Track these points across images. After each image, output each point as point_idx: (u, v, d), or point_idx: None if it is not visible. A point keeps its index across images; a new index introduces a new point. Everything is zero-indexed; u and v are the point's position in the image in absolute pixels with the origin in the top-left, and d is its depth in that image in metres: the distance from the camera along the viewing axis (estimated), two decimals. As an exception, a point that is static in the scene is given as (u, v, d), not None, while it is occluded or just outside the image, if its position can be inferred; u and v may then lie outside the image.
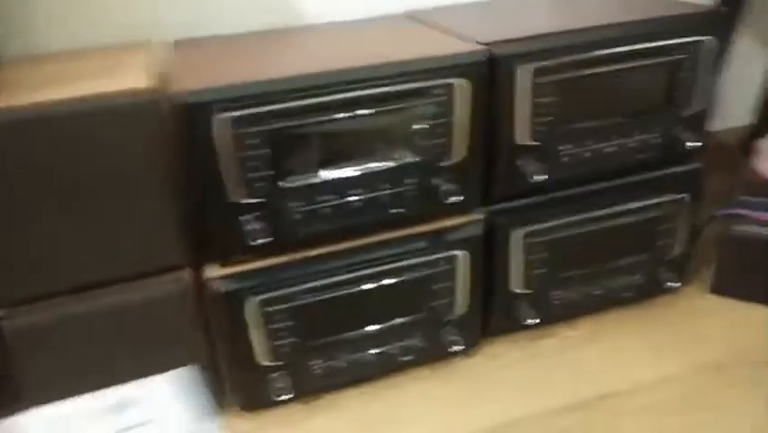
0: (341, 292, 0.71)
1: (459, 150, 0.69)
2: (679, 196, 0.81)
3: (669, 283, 0.86)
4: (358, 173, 0.66)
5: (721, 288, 0.91)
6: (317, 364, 0.75)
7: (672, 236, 0.84)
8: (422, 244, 0.73)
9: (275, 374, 0.73)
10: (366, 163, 0.66)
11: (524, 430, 0.72)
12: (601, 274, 0.83)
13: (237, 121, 0.59)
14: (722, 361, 0.80)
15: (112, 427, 0.63)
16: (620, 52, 0.70)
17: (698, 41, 0.73)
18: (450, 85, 0.65)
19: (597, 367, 0.80)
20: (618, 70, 0.71)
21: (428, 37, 0.75)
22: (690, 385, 0.77)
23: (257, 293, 0.67)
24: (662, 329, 0.86)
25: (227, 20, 0.86)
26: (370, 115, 0.63)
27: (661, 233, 0.83)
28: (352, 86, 0.61)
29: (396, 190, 0.68)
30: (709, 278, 0.91)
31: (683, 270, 0.88)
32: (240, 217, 0.64)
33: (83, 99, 0.57)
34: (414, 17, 0.85)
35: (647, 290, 0.87)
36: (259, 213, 0.64)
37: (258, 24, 0.86)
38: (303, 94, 0.60)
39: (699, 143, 0.78)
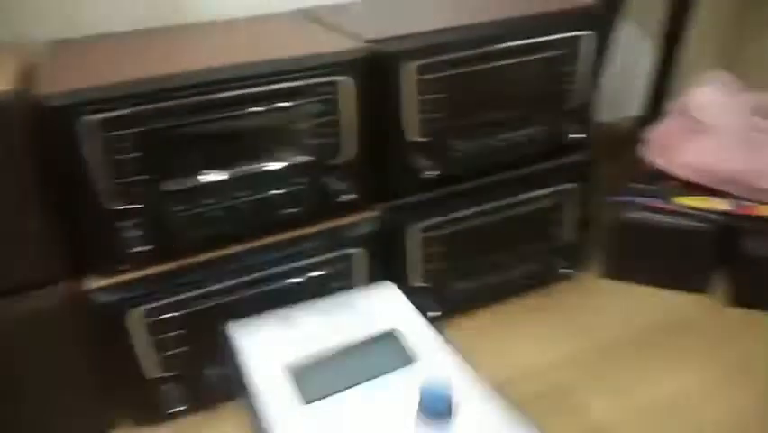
0: (232, 298, 0.69)
1: (348, 148, 0.68)
2: (568, 186, 0.84)
3: (563, 270, 0.89)
4: (244, 174, 0.64)
5: (613, 272, 0.95)
6: (212, 373, 0.72)
7: (563, 225, 0.87)
8: (316, 244, 0.72)
9: (167, 386, 0.70)
10: (252, 164, 0.65)
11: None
12: (498, 265, 0.85)
13: (104, 123, 0.56)
14: (610, 343, 0.83)
15: None
16: (503, 48, 0.71)
17: (577, 37, 0.76)
18: (334, 83, 0.64)
19: (492, 356, 0.82)
20: (502, 66, 0.72)
21: (316, 35, 0.74)
22: (579, 367, 0.80)
23: (141, 303, 0.64)
24: (557, 315, 0.89)
25: (110, 18, 0.82)
26: (253, 114, 0.62)
27: (553, 222, 0.86)
28: (231, 84, 0.60)
29: (286, 191, 0.67)
30: (602, 263, 0.95)
31: (577, 257, 0.91)
32: (117, 225, 0.61)
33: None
34: (308, 14, 0.83)
35: (543, 278, 0.90)
36: (138, 219, 0.61)
37: (144, 22, 0.82)
38: (177, 94, 0.58)
39: (584, 135, 0.80)
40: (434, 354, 0.42)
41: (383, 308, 0.46)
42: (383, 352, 0.42)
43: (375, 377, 0.39)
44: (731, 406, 0.74)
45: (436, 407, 0.35)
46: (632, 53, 1.24)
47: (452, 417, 0.36)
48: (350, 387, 0.38)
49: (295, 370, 0.40)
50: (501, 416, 0.40)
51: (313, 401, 0.37)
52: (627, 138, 1.21)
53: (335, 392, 0.38)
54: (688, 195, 0.92)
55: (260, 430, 0.37)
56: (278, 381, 0.39)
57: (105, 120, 0.56)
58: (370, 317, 0.44)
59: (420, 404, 0.36)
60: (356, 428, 0.36)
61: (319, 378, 0.39)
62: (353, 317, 0.44)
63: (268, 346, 0.42)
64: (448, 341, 0.45)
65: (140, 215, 0.61)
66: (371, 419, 0.37)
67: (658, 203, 0.91)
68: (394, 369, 0.40)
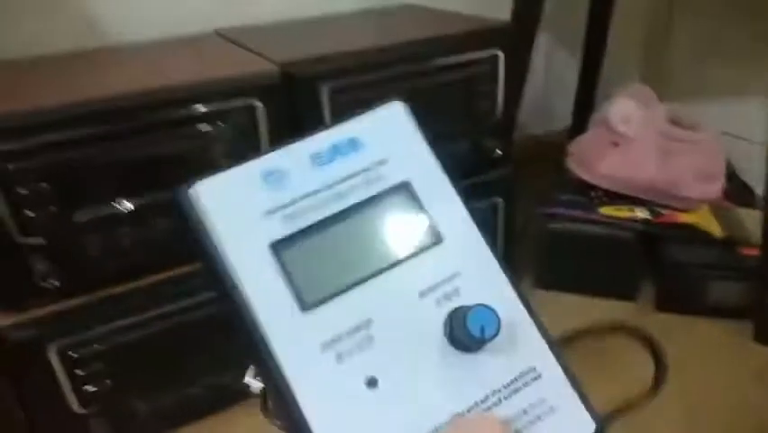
0: (153, 329, 0.67)
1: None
2: (491, 200, 0.86)
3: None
4: (160, 202, 0.64)
5: (544, 282, 0.97)
6: (140, 406, 0.71)
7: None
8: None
9: (93, 421, 0.68)
10: (167, 191, 0.64)
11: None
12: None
13: (8, 154, 0.55)
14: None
15: None
16: (416, 69, 0.73)
17: (492, 55, 0.78)
18: (247, 106, 0.64)
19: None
20: (417, 86, 0.74)
21: (227, 56, 0.74)
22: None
23: (55, 339, 0.63)
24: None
25: (23, 41, 0.80)
26: (166, 139, 0.61)
27: (481, 237, 0.87)
28: (143, 111, 0.59)
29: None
30: (533, 274, 0.97)
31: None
32: (28, 259, 0.59)
33: None
34: (223, 35, 0.83)
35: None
36: (48, 252, 0.59)
37: (59, 46, 0.81)
38: (86, 121, 0.57)
39: (506, 151, 0.82)
40: (462, 231, 0.31)
41: (389, 139, 0.31)
42: (399, 221, 0.30)
43: (390, 267, 0.28)
44: (659, 409, 0.76)
45: (476, 338, 0.27)
46: (558, 66, 1.28)
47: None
48: (357, 284, 0.28)
49: (284, 258, 0.27)
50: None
51: (312, 308, 0.27)
52: (556, 150, 1.24)
53: (340, 293, 0.28)
54: (611, 205, 0.95)
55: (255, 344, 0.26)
56: (262, 277, 0.27)
57: (8, 151, 0.54)
58: (375, 155, 0.31)
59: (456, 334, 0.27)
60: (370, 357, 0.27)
61: (317, 269, 0.28)
62: (355, 160, 0.30)
63: (243, 220, 0.27)
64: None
65: (51, 247, 0.59)
66: (389, 336, 0.27)
67: (584, 213, 0.94)
68: (416, 253, 0.29)
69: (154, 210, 0.63)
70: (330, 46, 0.73)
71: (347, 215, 0.29)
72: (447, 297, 0.29)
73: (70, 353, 0.64)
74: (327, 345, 0.26)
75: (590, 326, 0.85)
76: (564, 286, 0.96)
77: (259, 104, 0.64)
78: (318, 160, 0.29)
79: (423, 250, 0.29)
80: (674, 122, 0.98)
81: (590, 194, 0.97)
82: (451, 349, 0.28)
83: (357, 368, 0.27)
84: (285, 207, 0.28)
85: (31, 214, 0.58)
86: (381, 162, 0.30)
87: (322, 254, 0.28)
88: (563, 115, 1.30)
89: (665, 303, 0.92)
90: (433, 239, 0.29)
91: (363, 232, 0.29)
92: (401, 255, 0.29)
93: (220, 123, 0.63)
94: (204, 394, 0.74)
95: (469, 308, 0.27)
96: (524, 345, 0.30)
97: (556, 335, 0.31)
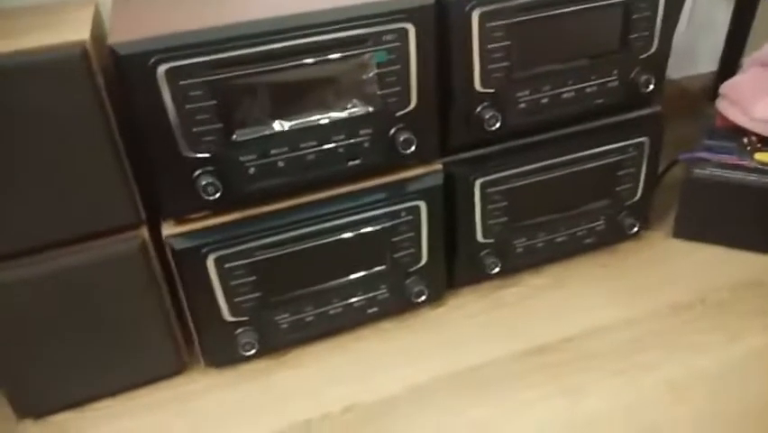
0: (301, 247, 0.71)
1: (413, 99, 0.68)
2: (638, 140, 0.82)
3: (631, 228, 0.87)
4: (311, 125, 0.65)
5: (683, 232, 0.92)
6: (283, 319, 0.75)
7: (632, 181, 0.84)
8: (381, 196, 0.73)
9: (240, 330, 0.73)
10: (318, 114, 0.65)
11: (488, 374, 0.74)
12: (564, 221, 0.84)
13: (176, 72, 0.58)
14: (680, 302, 0.81)
15: None
16: (574, -5, 0.69)
17: (653, -19, 0.72)
18: (399, 30, 0.64)
19: (560, 313, 0.81)
20: (572, 13, 0.70)
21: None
22: (649, 326, 0.78)
23: (214, 250, 0.67)
24: (625, 274, 0.87)
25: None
26: (318, 63, 0.62)
27: (621, 178, 0.84)
28: (297, 33, 0.60)
29: (351, 141, 0.68)
30: (672, 222, 0.92)
31: (645, 215, 0.89)
32: (192, 173, 0.63)
33: (11, 55, 0.55)
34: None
35: (610, 236, 0.88)
36: (211, 167, 0.63)
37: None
38: (246, 42, 0.59)
39: (658, 86, 0.77)
40: None
41: None
42: None
43: None
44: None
45: None
46: (707, 6, 1.18)
47: None
48: None
49: None
50: None
51: None
52: (701, 95, 1.16)
53: None
54: (766, 151, 0.88)
55: None
56: None
57: (177, 68, 0.57)
58: None
59: None
60: None
61: None
62: None
63: None
64: None
65: (213, 163, 0.63)
66: None
67: (734, 159, 0.87)
68: None
69: (306, 134, 0.65)
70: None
71: None
72: None
73: (226, 264, 0.68)
74: None
75: None
76: (706, 236, 0.90)
77: (411, 27, 0.64)
78: None
79: None
80: None
81: (742, 140, 0.90)
82: None
83: None
84: None
85: (198, 129, 0.61)
86: None
87: None
88: (708, 58, 1.20)
89: (821, 261, 0.85)
90: None
91: None
92: None
93: (372, 46, 0.63)
94: (340, 313, 0.77)
95: None
96: None
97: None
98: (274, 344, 0.76)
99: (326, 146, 0.67)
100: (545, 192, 0.80)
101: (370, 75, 0.65)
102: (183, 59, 0.57)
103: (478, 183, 0.76)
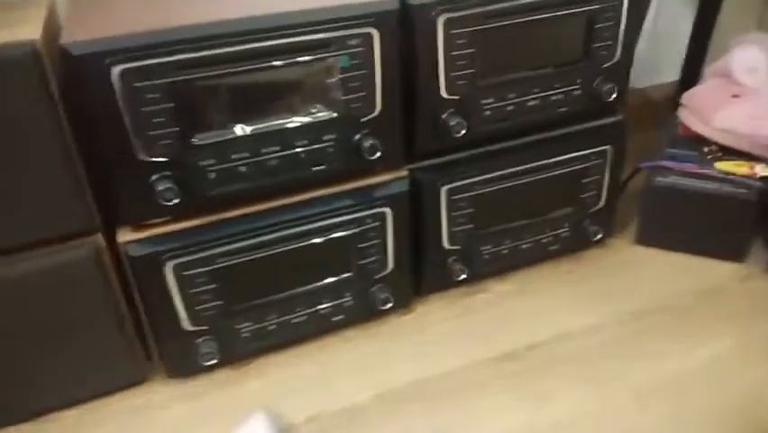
0: (264, 254, 0.69)
1: (378, 105, 0.67)
2: (602, 148, 0.82)
3: (595, 235, 0.87)
4: (273, 129, 0.64)
5: (645, 239, 0.93)
6: (245, 328, 0.73)
7: (596, 189, 0.85)
8: (346, 203, 0.72)
9: (200, 339, 0.71)
10: (281, 119, 0.64)
11: (455, 382, 0.73)
12: (529, 228, 0.84)
13: (132, 73, 0.56)
14: (643, 309, 0.82)
15: None
16: (538, 1, 0.69)
17: (617, -8, 0.73)
18: (363, 35, 0.63)
19: (526, 320, 0.81)
20: (537, 21, 0.70)
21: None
22: (613, 333, 0.79)
23: (173, 257, 0.65)
24: (589, 280, 0.87)
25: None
26: (281, 66, 0.61)
27: (585, 185, 0.84)
28: (258, 36, 0.59)
29: (315, 147, 0.67)
30: (635, 229, 0.93)
31: (609, 222, 0.90)
32: (149, 177, 0.61)
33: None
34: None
35: (574, 243, 0.89)
36: (169, 172, 0.61)
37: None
38: (205, 44, 0.57)
39: (621, 95, 0.78)
40: None
41: None
42: None
43: None
44: (763, 377, 0.72)
45: None
46: (670, 16, 1.20)
47: None
48: None
49: None
50: None
51: None
52: (664, 104, 1.18)
53: None
54: (726, 160, 0.89)
55: None
56: None
57: (134, 69, 0.56)
58: None
59: None
60: None
61: None
62: None
63: None
64: None
65: (171, 168, 0.61)
66: None
67: (695, 168, 0.89)
68: None
69: (268, 138, 0.64)
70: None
71: None
72: None
73: (185, 271, 0.66)
74: None
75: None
76: (668, 243, 0.92)
77: (376, 32, 0.63)
78: None
79: None
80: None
81: (704, 149, 0.92)
82: None
83: None
84: None
85: (155, 133, 0.59)
86: None
87: None
88: (671, 67, 1.22)
89: (779, 267, 0.87)
90: None
91: None
92: None
93: (336, 50, 0.63)
94: (304, 321, 0.76)
95: None
96: None
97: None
98: (236, 353, 0.75)
99: (289, 151, 0.66)
100: (511, 199, 0.80)
101: (334, 80, 0.64)
102: (139, 60, 0.56)
103: (444, 190, 0.76)
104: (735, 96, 0.91)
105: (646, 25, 1.17)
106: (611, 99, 0.78)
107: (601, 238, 0.88)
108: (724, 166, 0.88)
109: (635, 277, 0.88)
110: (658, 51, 1.22)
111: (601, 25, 0.74)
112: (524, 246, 0.85)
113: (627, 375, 0.73)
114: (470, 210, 0.78)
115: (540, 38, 0.72)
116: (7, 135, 0.56)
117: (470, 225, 0.80)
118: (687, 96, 0.96)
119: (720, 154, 0.91)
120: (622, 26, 0.75)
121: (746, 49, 0.92)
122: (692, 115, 0.94)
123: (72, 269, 0.64)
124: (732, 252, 0.90)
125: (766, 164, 0.88)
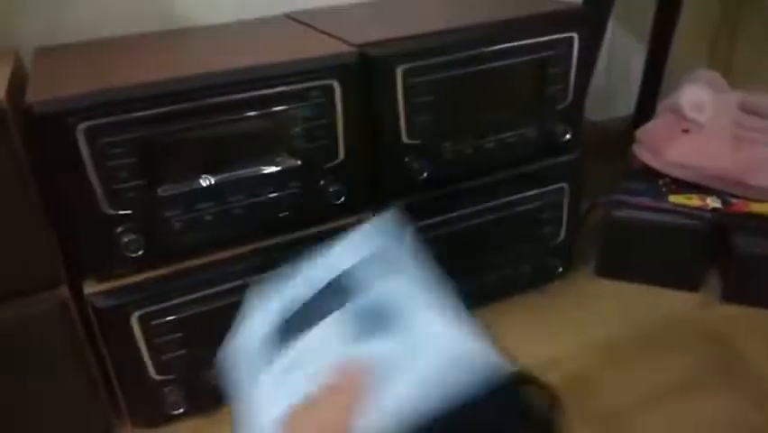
0: (230, 301, 0.69)
1: (341, 152, 0.69)
2: (559, 185, 0.85)
3: (556, 269, 0.90)
4: (238, 178, 0.65)
5: (606, 271, 0.96)
6: (213, 376, 0.73)
7: (556, 224, 0.88)
8: (311, 248, 0.73)
9: (167, 388, 0.71)
10: (245, 168, 0.66)
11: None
12: (491, 265, 0.86)
13: (97, 130, 0.57)
14: (608, 339, 0.84)
15: None
16: (492, 51, 0.72)
17: (566, 38, 0.77)
18: (324, 87, 0.65)
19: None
20: (491, 69, 0.73)
21: (303, 39, 0.75)
22: (579, 364, 0.81)
23: (138, 307, 0.65)
24: (552, 313, 0.89)
25: (97, 23, 0.83)
26: (245, 118, 0.63)
27: (545, 222, 0.87)
28: (220, 90, 0.60)
29: (280, 194, 0.68)
30: (596, 262, 0.96)
31: (570, 256, 0.92)
32: (114, 230, 0.62)
33: None
34: (293, 18, 0.85)
35: (537, 277, 0.91)
36: (134, 224, 0.62)
37: (131, 28, 0.84)
38: (167, 99, 0.59)
39: (575, 135, 0.81)
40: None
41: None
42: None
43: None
44: (725, 400, 0.74)
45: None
46: (623, 52, 1.26)
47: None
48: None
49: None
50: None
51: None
52: (620, 137, 1.22)
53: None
54: (679, 193, 0.93)
55: None
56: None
57: (98, 127, 0.57)
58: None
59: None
60: None
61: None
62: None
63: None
64: None
65: (136, 220, 0.62)
66: None
67: (649, 201, 0.92)
68: None
69: (232, 187, 0.65)
70: (402, 29, 0.73)
71: None
72: None
73: (148, 321, 0.67)
74: None
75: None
76: (626, 275, 0.95)
77: (336, 84, 0.65)
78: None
79: None
80: (746, 110, 0.95)
81: (658, 182, 0.95)
82: None
83: None
84: None
85: (119, 186, 0.60)
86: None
87: None
88: (627, 101, 1.27)
89: (732, 295, 0.90)
90: None
91: None
92: None
93: (299, 102, 0.64)
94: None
95: None
96: None
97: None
98: (204, 401, 0.74)
99: (255, 199, 0.67)
100: (472, 237, 0.82)
101: (297, 129, 0.66)
102: (102, 117, 0.57)
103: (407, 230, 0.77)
104: (685, 130, 0.95)
105: (601, 61, 1.22)
106: (566, 139, 0.81)
107: (563, 272, 0.91)
108: (677, 199, 0.92)
109: (597, 309, 0.90)
110: (615, 86, 1.27)
111: (553, 70, 0.77)
112: (486, 282, 0.87)
113: (594, 405, 0.74)
114: (434, 249, 0.80)
115: (495, 84, 0.75)
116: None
117: (435, 262, 0.81)
118: (641, 132, 1.00)
119: (674, 187, 0.94)
120: (573, 70, 0.78)
121: (694, 86, 0.97)
122: (646, 150, 0.98)
123: (37, 321, 0.64)
124: (688, 281, 0.93)
125: (717, 196, 0.92)
